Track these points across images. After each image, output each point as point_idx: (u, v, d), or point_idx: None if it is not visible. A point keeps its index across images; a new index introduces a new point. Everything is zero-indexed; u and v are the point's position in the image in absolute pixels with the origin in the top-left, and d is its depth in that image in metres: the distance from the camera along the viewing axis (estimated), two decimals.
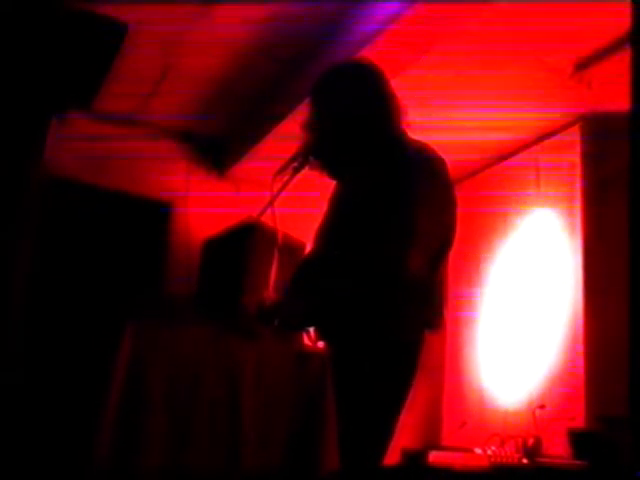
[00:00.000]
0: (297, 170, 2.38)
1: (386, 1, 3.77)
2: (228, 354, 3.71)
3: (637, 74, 2.19)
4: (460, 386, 5.49)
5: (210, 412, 3.58)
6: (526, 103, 4.67)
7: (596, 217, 4.54)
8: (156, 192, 5.55)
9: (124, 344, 3.48)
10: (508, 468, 4.11)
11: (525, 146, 5.25)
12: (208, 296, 4.80)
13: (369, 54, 3.67)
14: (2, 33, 3.59)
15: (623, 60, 3.06)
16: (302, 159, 2.37)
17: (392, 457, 2.80)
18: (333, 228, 2.27)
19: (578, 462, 3.81)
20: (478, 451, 4.39)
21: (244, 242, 4.31)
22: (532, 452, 4.25)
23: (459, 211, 2.24)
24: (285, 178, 2.38)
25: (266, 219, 2.64)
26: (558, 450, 4.17)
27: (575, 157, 4.73)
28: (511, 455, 4.27)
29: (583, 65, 4.27)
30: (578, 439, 3.97)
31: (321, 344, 2.47)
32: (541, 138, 5.11)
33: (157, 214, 5.59)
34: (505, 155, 5.43)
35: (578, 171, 4.70)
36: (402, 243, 2.03)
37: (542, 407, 4.47)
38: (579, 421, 4.21)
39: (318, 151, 2.37)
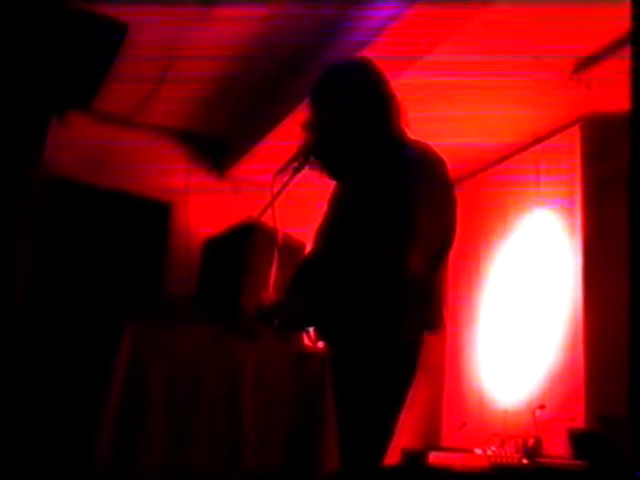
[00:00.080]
0: (297, 170, 2.38)
1: (386, 2, 3.77)
2: (228, 354, 3.71)
3: (637, 74, 2.19)
4: (460, 386, 5.49)
5: (210, 412, 3.58)
6: (526, 103, 4.68)
7: (596, 217, 4.55)
8: (156, 192, 5.54)
9: (124, 344, 3.48)
10: (508, 468, 4.12)
11: (525, 146, 5.25)
12: (208, 296, 4.80)
13: (369, 54, 3.66)
14: (2, 33, 3.59)
15: (622, 61, 3.06)
16: (302, 159, 2.37)
17: (392, 457, 2.79)
18: (333, 228, 2.27)
19: (578, 462, 3.81)
20: (478, 451, 4.39)
21: (244, 242, 4.31)
22: (532, 452, 4.25)
23: (459, 211, 2.24)
24: (285, 178, 2.38)
25: (266, 219, 2.64)
26: (558, 450, 4.17)
27: (575, 157, 4.74)
28: (511, 455, 4.27)
29: (583, 65, 4.27)
30: (578, 439, 3.97)
31: (321, 344, 2.47)
32: (541, 138, 5.11)
33: (157, 214, 5.58)
34: (505, 155, 5.43)
35: (578, 171, 4.70)
36: (402, 243, 2.03)
37: (542, 407, 4.47)
38: (579, 421, 4.21)
39: (318, 151, 2.37)
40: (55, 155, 4.36)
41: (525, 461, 4.14)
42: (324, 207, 2.38)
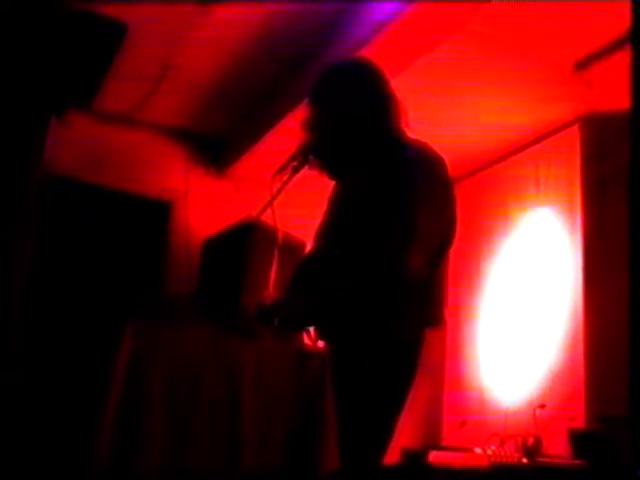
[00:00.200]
0: (297, 169, 2.37)
1: (386, 1, 3.77)
2: (228, 354, 3.71)
3: (637, 74, 2.19)
4: (460, 386, 5.49)
5: (210, 412, 3.58)
6: (526, 102, 4.68)
7: (596, 217, 4.54)
8: (156, 191, 5.54)
9: (124, 344, 3.48)
10: (508, 468, 4.11)
11: (525, 146, 5.25)
12: (208, 296, 4.80)
13: (369, 54, 3.66)
14: (2, 33, 3.59)
15: (623, 60, 3.06)
16: (302, 158, 2.37)
17: (392, 457, 2.79)
18: (333, 228, 2.27)
19: (578, 462, 3.81)
20: (478, 451, 4.38)
21: (244, 242, 4.31)
22: (532, 452, 4.24)
23: (459, 210, 2.24)
24: (285, 177, 2.38)
25: (266, 218, 2.63)
26: (558, 450, 4.17)
27: (575, 157, 4.74)
28: (511, 455, 4.27)
29: (583, 65, 4.27)
30: (578, 439, 3.97)
31: (321, 343, 2.47)
32: (541, 137, 5.11)
33: (157, 213, 5.58)
34: (505, 154, 5.43)
35: (578, 171, 4.70)
36: (402, 242, 2.03)
37: (542, 407, 4.47)
38: (579, 421, 4.21)
39: (318, 150, 2.37)
40: (55, 155, 4.36)
41: (525, 460, 4.14)
42: (324, 206, 2.38)
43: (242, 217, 4.45)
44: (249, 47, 4.52)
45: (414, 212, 2.06)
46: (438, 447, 5.12)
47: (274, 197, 2.40)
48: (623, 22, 2.80)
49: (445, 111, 4.69)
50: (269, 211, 2.48)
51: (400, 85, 2.45)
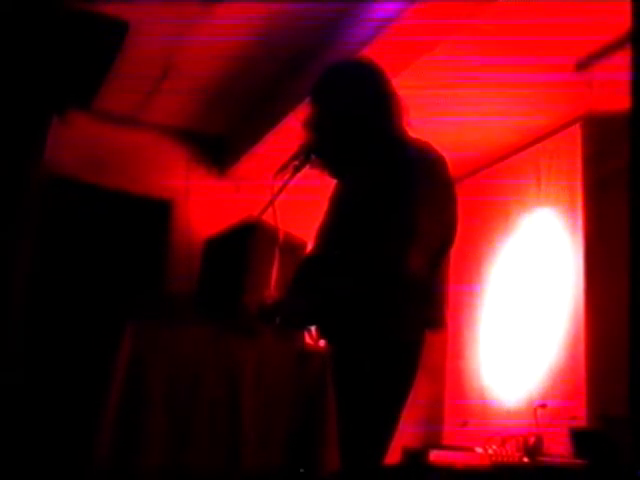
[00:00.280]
0: (298, 169, 2.37)
1: (386, 1, 3.77)
2: (228, 354, 3.70)
3: (637, 74, 2.18)
4: (461, 385, 5.49)
5: (210, 412, 3.57)
6: (527, 102, 4.67)
7: (597, 216, 4.54)
8: (157, 191, 5.55)
9: (124, 344, 3.47)
10: (509, 467, 4.11)
11: (526, 145, 5.25)
12: (209, 296, 4.80)
13: (369, 53, 3.67)
14: (2, 33, 3.59)
15: (624, 60, 3.05)
16: (303, 158, 2.37)
17: (393, 456, 2.79)
18: (334, 227, 2.27)
19: (579, 461, 3.81)
20: (479, 450, 4.38)
21: (245, 241, 4.31)
22: (533, 451, 4.24)
23: (460, 210, 2.23)
24: (286, 177, 2.38)
25: (267, 218, 2.63)
26: (559, 449, 4.17)
27: (576, 156, 4.74)
28: (512, 454, 4.27)
29: (584, 65, 4.26)
30: (579, 438, 3.97)
31: (322, 343, 2.47)
32: (542, 137, 5.11)
33: (157, 213, 5.58)
34: (506, 154, 5.43)
35: (579, 170, 4.70)
36: (402, 242, 2.02)
37: (543, 406, 4.47)
38: (580, 420, 4.21)
39: (319, 150, 2.36)
40: (55, 154, 4.36)
41: (526, 460, 4.14)
42: (325, 206, 2.38)
43: (243, 217, 4.45)
44: (250, 47, 4.52)
45: (415, 212, 2.06)
46: (439, 446, 5.12)
47: (275, 197, 2.40)
48: (623, 22, 2.79)
49: (446, 110, 4.69)
50: (270, 211, 2.48)
51: (401, 85, 2.45)
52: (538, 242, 4.99)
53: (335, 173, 2.39)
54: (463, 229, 2.31)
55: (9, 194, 3.67)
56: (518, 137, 5.18)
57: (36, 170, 3.87)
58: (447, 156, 2.22)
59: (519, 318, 5.03)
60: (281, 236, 3.68)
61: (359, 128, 2.28)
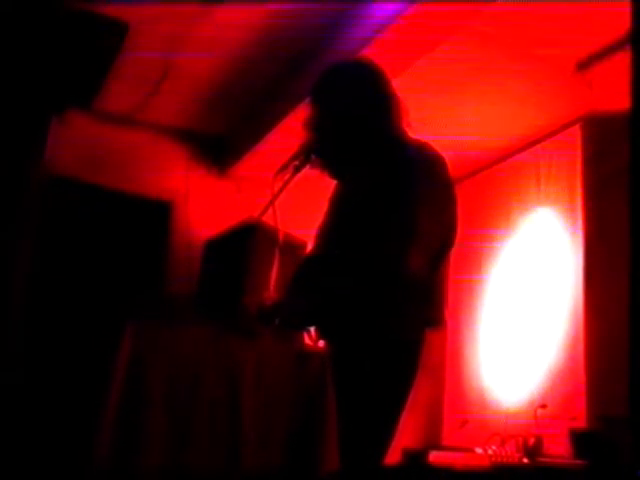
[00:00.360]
0: (298, 169, 2.37)
1: (386, 1, 3.77)
2: (228, 354, 3.70)
3: (637, 74, 2.18)
4: (461, 385, 5.49)
5: (210, 412, 3.57)
6: (527, 103, 4.67)
7: (597, 216, 4.54)
8: (156, 191, 5.54)
9: (124, 344, 3.47)
10: (509, 468, 4.11)
11: (526, 146, 5.25)
12: (209, 296, 4.80)
13: (370, 53, 3.67)
14: (2, 33, 3.59)
15: (624, 60, 3.06)
16: (303, 158, 2.37)
17: (393, 457, 2.79)
18: (334, 227, 2.27)
19: (579, 462, 3.80)
20: (479, 451, 4.38)
21: (245, 242, 4.30)
22: (533, 452, 4.24)
23: (460, 211, 2.24)
24: (286, 177, 2.38)
25: (267, 218, 2.63)
26: (559, 450, 4.17)
27: (576, 157, 4.73)
28: (512, 455, 4.26)
29: (584, 65, 4.27)
30: (579, 439, 3.96)
31: (322, 343, 2.47)
32: (542, 138, 5.11)
33: (157, 213, 5.58)
34: (506, 154, 5.43)
35: (579, 171, 4.70)
36: (402, 242, 2.03)
37: (543, 407, 4.47)
38: (580, 421, 4.20)
39: (319, 150, 2.37)
40: (55, 154, 4.36)
41: (526, 460, 4.13)
42: (325, 206, 2.38)
43: (243, 217, 4.45)
44: (250, 47, 4.52)
45: (414, 211, 2.06)
46: (439, 447, 5.12)
47: (275, 197, 2.40)
48: (623, 22, 2.79)
49: (446, 111, 4.69)
50: (270, 211, 2.48)
51: (401, 85, 2.45)
52: (538, 242, 4.99)
53: (335, 173, 2.39)
54: (463, 229, 2.31)
55: (9, 194, 3.67)
56: (518, 138, 5.18)
57: (36, 170, 3.87)
58: (447, 156, 2.22)
59: (519, 318, 5.02)
60: (281, 237, 3.68)
61: (359, 128, 2.29)
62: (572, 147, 4.78)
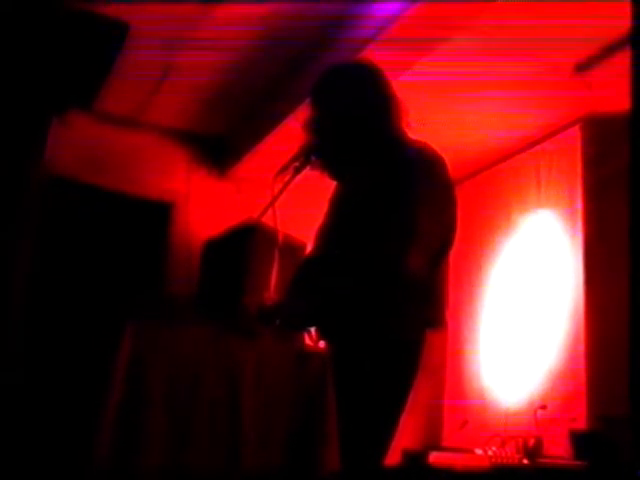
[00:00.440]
0: (298, 170, 2.38)
1: (387, 1, 3.77)
2: (228, 354, 3.68)
3: (637, 75, 2.19)
4: (461, 386, 5.49)
5: (210, 412, 3.56)
6: (527, 104, 4.68)
7: (597, 218, 4.54)
8: (157, 192, 5.55)
9: (124, 344, 3.46)
10: (509, 469, 4.11)
11: (526, 147, 5.25)
12: (209, 297, 4.80)
13: (370, 54, 3.67)
14: (2, 33, 3.59)
15: (623, 61, 3.06)
16: (303, 159, 2.37)
17: (393, 458, 2.79)
18: (334, 228, 2.27)
19: (579, 463, 3.80)
20: (479, 452, 4.39)
21: (245, 243, 4.30)
22: (533, 453, 4.24)
23: (460, 211, 2.24)
24: (286, 178, 2.38)
25: (267, 219, 2.63)
26: (559, 451, 4.17)
27: (576, 158, 4.74)
28: (512, 456, 4.27)
29: (584, 66, 4.27)
30: (579, 440, 3.97)
31: (322, 344, 2.47)
32: (542, 139, 5.11)
33: (158, 214, 5.59)
34: (506, 156, 5.43)
35: (579, 172, 4.70)
36: (402, 242, 2.03)
37: (543, 408, 4.47)
38: (580, 422, 4.21)
39: (319, 151, 2.37)
40: (55, 155, 4.36)
41: (526, 461, 4.14)
42: (325, 207, 2.38)
43: (243, 218, 4.45)
44: (250, 48, 4.52)
45: (414, 212, 2.06)
46: (439, 448, 5.12)
47: (275, 198, 2.40)
48: (623, 23, 2.80)
49: (446, 112, 4.69)
50: (270, 212, 2.48)
51: (401, 85, 2.45)
52: (538, 243, 4.99)
53: (335, 174, 2.39)
54: (463, 230, 2.32)
55: (9, 194, 3.67)
56: (518, 138, 5.19)
57: (36, 170, 3.87)
58: (447, 158, 2.22)
59: (519, 319, 5.03)
60: (281, 237, 3.67)
61: (359, 129, 2.29)
62: (572, 148, 4.78)
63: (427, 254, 2.09)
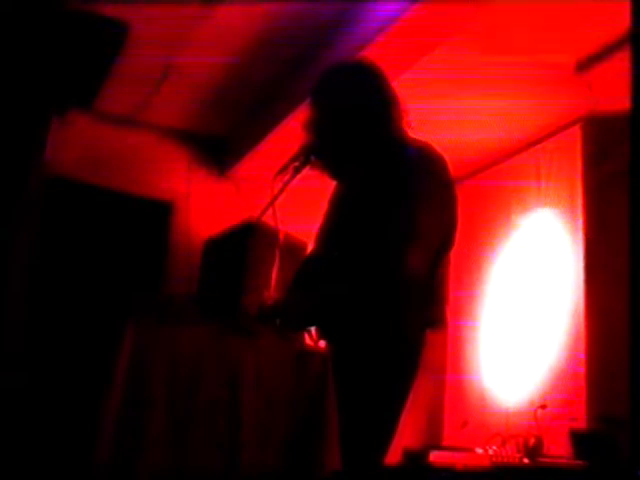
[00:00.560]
0: (298, 170, 2.37)
1: (387, 1, 3.77)
2: (228, 354, 3.70)
3: (637, 74, 2.19)
4: (462, 386, 5.49)
5: (210, 412, 3.57)
6: (527, 103, 4.67)
7: (597, 217, 4.53)
8: (157, 192, 5.55)
9: (125, 344, 3.47)
10: (509, 468, 4.11)
11: (526, 146, 5.25)
12: (209, 296, 4.80)
13: (370, 54, 3.67)
14: (2, 33, 3.59)
15: (624, 60, 3.06)
16: (303, 159, 2.37)
17: (393, 457, 2.79)
18: (334, 228, 2.27)
19: (579, 462, 3.80)
20: (479, 451, 4.38)
21: (245, 242, 4.31)
22: (533, 452, 4.24)
23: (460, 210, 2.24)
24: (286, 178, 2.38)
25: (267, 219, 2.63)
26: (559, 450, 4.16)
27: (576, 157, 4.73)
28: (512, 455, 4.26)
29: (584, 65, 4.27)
30: (580, 439, 3.96)
31: (322, 343, 2.47)
32: (542, 138, 5.11)
33: (158, 214, 5.59)
34: (506, 155, 5.43)
35: (579, 171, 4.69)
36: (402, 242, 2.03)
37: (544, 407, 4.46)
38: (581, 421, 4.20)
39: (319, 151, 2.37)
40: (55, 154, 4.36)
41: (526, 461, 4.13)
42: (325, 207, 2.38)
43: (243, 218, 4.45)
44: (250, 48, 4.52)
45: (415, 211, 2.06)
46: (439, 447, 5.11)
47: (275, 198, 2.40)
48: (623, 22, 2.80)
49: (446, 112, 4.68)
50: (270, 212, 2.48)
51: (401, 85, 2.45)
52: (538, 243, 4.99)
53: (335, 174, 2.39)
54: (463, 230, 2.31)
55: (9, 194, 3.67)
56: (518, 138, 5.18)
57: (36, 170, 3.87)
58: (447, 157, 2.22)
59: (519, 319, 5.02)
60: (281, 237, 3.68)
61: (359, 129, 2.29)
62: (572, 148, 4.78)
63: (427, 253, 2.09)
